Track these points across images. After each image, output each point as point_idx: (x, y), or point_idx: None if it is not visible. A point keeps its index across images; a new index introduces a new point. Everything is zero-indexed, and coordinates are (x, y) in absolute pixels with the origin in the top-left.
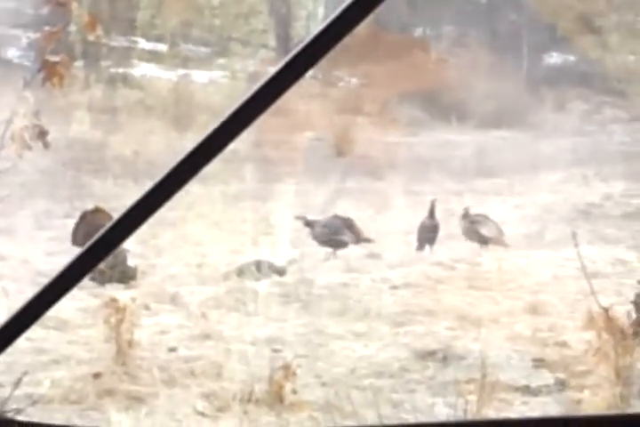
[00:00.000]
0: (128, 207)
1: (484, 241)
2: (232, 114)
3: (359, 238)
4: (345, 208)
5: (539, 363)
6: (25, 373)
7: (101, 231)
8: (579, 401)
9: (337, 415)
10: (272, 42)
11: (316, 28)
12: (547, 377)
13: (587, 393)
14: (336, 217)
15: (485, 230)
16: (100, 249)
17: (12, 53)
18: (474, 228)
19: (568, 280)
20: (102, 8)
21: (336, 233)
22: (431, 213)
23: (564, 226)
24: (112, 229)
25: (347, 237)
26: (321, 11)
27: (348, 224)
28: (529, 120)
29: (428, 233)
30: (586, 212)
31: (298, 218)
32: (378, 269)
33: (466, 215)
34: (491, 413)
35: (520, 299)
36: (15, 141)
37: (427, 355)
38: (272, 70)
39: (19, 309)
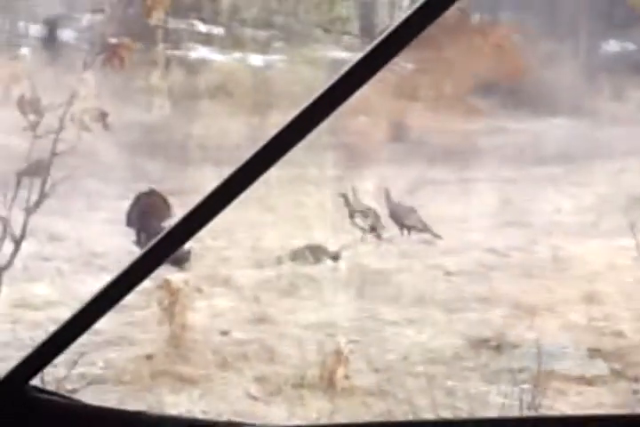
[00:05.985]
0: (202, 199)
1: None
2: (313, 102)
3: (376, 231)
4: (398, 195)
5: (594, 353)
6: (82, 354)
7: (176, 222)
8: (635, 391)
9: (390, 402)
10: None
11: (401, 16)
12: (602, 367)
13: None
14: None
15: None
16: (178, 235)
17: (69, 35)
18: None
19: (624, 269)
20: None
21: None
22: (387, 198)
23: (620, 215)
24: (186, 219)
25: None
26: None
27: (375, 214)
28: (586, 108)
29: (402, 216)
30: None
31: (340, 196)
32: (431, 255)
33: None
34: (545, 402)
35: (575, 288)
36: (75, 123)
37: (480, 342)
38: (354, 58)
39: (87, 301)
